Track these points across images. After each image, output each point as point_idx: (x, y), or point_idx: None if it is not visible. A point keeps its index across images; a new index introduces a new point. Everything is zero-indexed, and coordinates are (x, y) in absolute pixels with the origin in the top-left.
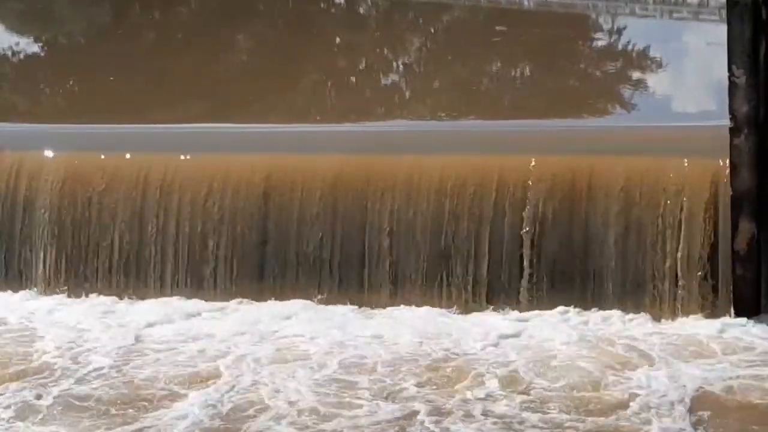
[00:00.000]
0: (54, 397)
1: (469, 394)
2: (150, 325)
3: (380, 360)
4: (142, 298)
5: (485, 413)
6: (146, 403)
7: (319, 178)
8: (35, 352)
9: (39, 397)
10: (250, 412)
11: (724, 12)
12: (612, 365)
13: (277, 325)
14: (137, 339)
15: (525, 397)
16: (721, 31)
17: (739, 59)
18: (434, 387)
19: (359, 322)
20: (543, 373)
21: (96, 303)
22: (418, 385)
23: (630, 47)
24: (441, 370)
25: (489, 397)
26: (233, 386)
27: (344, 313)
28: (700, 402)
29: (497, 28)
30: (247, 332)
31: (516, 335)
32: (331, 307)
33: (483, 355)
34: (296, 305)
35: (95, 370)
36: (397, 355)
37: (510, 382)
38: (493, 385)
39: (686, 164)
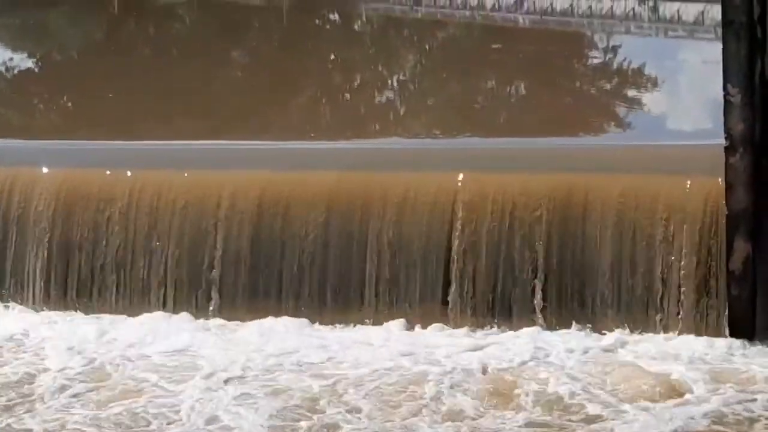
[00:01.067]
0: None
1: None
2: (141, 342)
3: (356, 379)
4: (135, 316)
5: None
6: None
7: (314, 195)
8: (21, 369)
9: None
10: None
11: (719, 30)
12: (594, 391)
13: (269, 343)
14: (128, 356)
15: (505, 423)
16: (716, 49)
17: (735, 78)
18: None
19: (353, 341)
20: (528, 397)
21: (89, 320)
22: (387, 408)
23: (625, 65)
24: (429, 391)
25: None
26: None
27: (339, 331)
28: None
29: (493, 45)
30: (240, 350)
31: (507, 353)
32: (326, 326)
33: (475, 373)
34: (291, 323)
35: (79, 393)
36: (383, 373)
37: (495, 403)
38: (476, 404)
39: (682, 183)
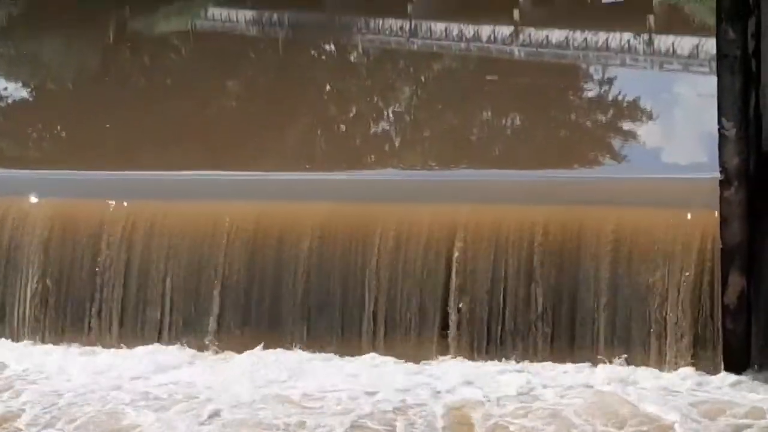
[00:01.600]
0: None
1: None
2: (134, 375)
3: (343, 411)
4: (129, 347)
5: None
6: None
7: (308, 226)
8: (10, 403)
9: None
10: None
11: (714, 64)
12: (585, 428)
13: (261, 375)
14: (121, 389)
15: None
16: (711, 82)
17: (729, 112)
18: None
19: (346, 373)
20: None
21: (80, 352)
22: None
23: (621, 98)
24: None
25: None
26: None
27: (333, 362)
28: None
29: (488, 77)
30: (232, 382)
31: (499, 387)
32: (320, 358)
33: (461, 407)
34: (285, 355)
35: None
36: (373, 405)
37: None
38: None
39: (677, 216)
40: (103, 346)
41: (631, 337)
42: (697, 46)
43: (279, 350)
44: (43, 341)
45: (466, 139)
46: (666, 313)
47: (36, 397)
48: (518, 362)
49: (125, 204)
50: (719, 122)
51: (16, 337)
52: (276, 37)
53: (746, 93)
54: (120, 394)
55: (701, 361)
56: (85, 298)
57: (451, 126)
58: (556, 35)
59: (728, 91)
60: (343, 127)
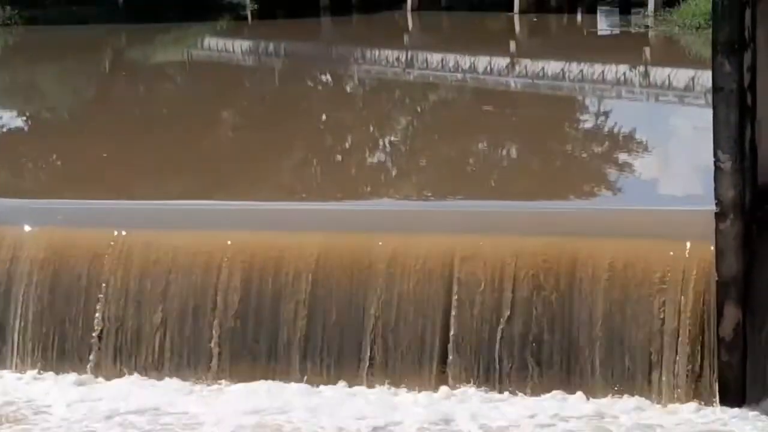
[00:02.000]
0: None
1: None
2: (129, 407)
3: None
4: (125, 377)
5: None
6: None
7: (305, 256)
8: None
9: None
10: None
11: (710, 97)
12: None
13: (257, 406)
14: (114, 419)
15: None
16: (707, 115)
17: (725, 144)
18: None
19: (341, 403)
20: None
21: (76, 382)
22: None
23: (616, 129)
24: None
25: None
26: None
27: (330, 394)
28: None
29: (484, 107)
30: (232, 413)
31: (496, 419)
32: (318, 389)
33: None
34: (282, 386)
35: None
36: None
37: None
38: None
39: (673, 247)
40: (99, 377)
41: (626, 369)
42: (692, 79)
43: (275, 382)
44: (40, 371)
45: (462, 170)
46: (662, 345)
47: (30, 427)
48: (514, 393)
49: (123, 233)
50: (715, 155)
51: (11, 367)
52: (272, 67)
53: (742, 126)
54: (113, 425)
55: (696, 393)
56: (81, 328)
57: (447, 156)
58: (552, 67)
59: (724, 124)
60: (339, 157)
